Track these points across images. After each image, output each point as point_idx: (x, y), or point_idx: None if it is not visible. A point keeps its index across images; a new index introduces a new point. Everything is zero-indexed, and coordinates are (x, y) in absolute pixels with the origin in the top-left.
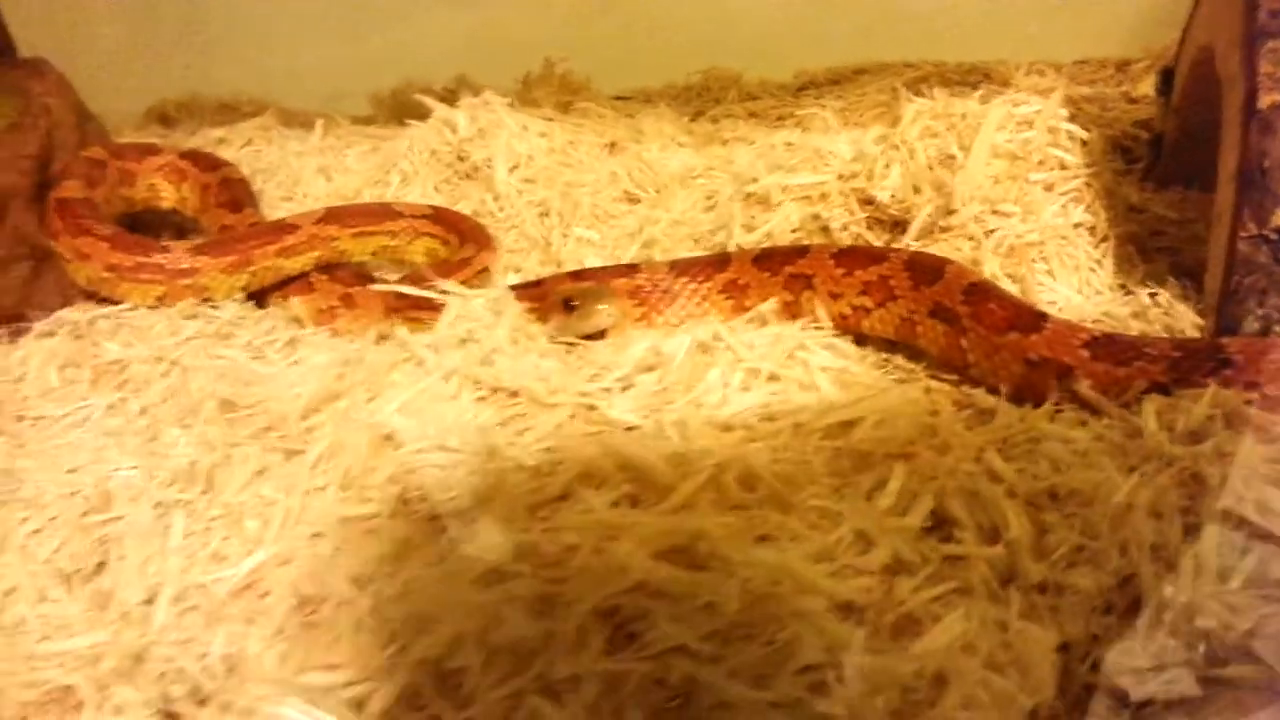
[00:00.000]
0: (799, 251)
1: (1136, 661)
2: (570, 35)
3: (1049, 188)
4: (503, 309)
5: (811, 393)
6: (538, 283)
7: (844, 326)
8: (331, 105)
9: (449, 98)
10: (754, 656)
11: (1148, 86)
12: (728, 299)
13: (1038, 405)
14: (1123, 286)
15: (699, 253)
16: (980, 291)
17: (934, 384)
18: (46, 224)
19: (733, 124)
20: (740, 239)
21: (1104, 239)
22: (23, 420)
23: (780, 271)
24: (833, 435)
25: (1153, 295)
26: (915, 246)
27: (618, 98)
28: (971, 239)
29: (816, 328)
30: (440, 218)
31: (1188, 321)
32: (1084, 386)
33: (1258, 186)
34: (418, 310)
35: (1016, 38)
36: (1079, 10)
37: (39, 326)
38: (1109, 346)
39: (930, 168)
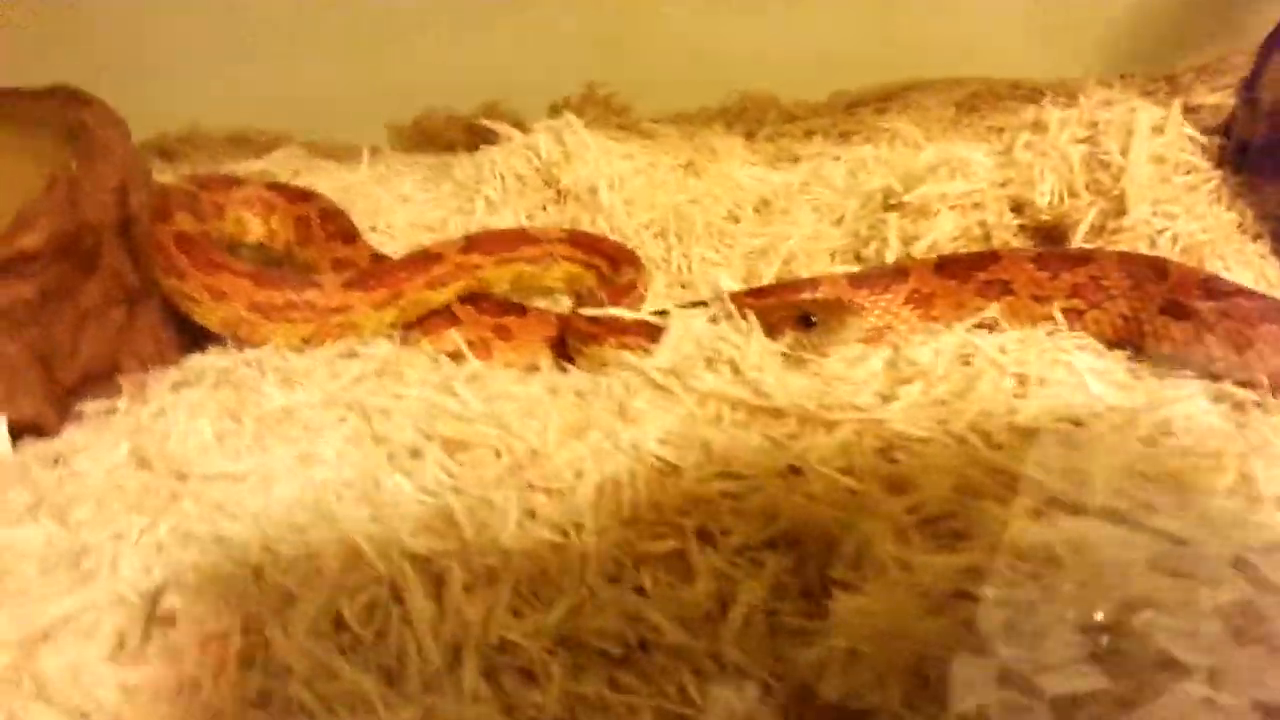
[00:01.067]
0: (988, 257)
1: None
2: (585, 61)
3: (1193, 189)
4: (748, 327)
5: (1085, 395)
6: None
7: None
8: (331, 134)
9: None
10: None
11: (1201, 96)
12: (913, 309)
13: None
14: None
15: (842, 267)
16: (1219, 286)
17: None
18: (166, 261)
19: (797, 143)
20: (899, 250)
21: (1257, 236)
22: (187, 479)
23: (970, 279)
24: (1154, 441)
25: None
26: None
27: (654, 121)
28: (1144, 239)
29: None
30: (578, 241)
31: None
32: None
33: None
34: (615, 335)
35: (1040, 55)
36: (1102, 27)
37: (172, 375)
38: None
39: (1089, 172)
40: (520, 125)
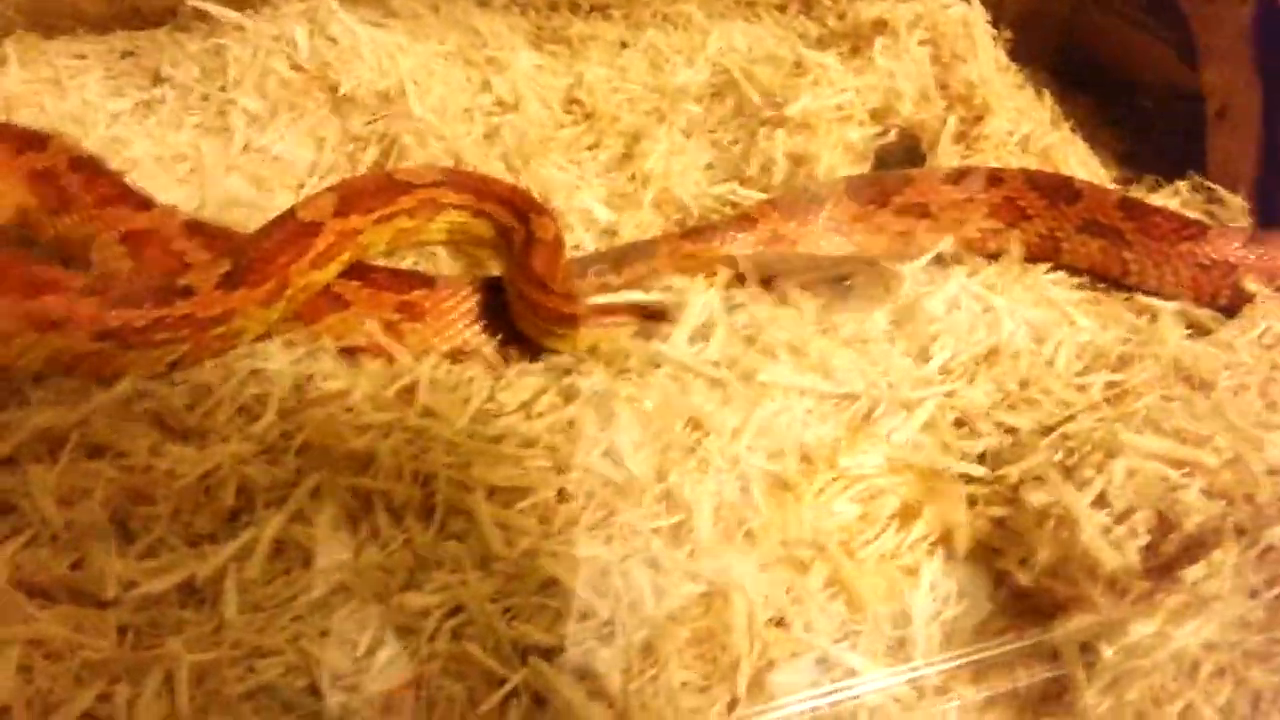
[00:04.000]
0: (901, 179)
1: None
2: None
3: (1021, 88)
4: (797, 299)
5: (1066, 328)
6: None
7: (972, 250)
8: None
9: None
10: None
11: None
12: (839, 237)
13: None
14: (1129, 181)
15: (724, 187)
16: (1136, 206)
17: (1102, 296)
18: None
19: (553, 19)
20: (788, 170)
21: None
22: None
23: (888, 203)
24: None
25: (1190, 189)
26: (956, 161)
27: None
28: (1004, 145)
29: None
30: (460, 183)
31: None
32: (1249, 281)
33: None
34: (606, 314)
35: None
36: None
37: None
38: (1263, 243)
39: (939, 77)
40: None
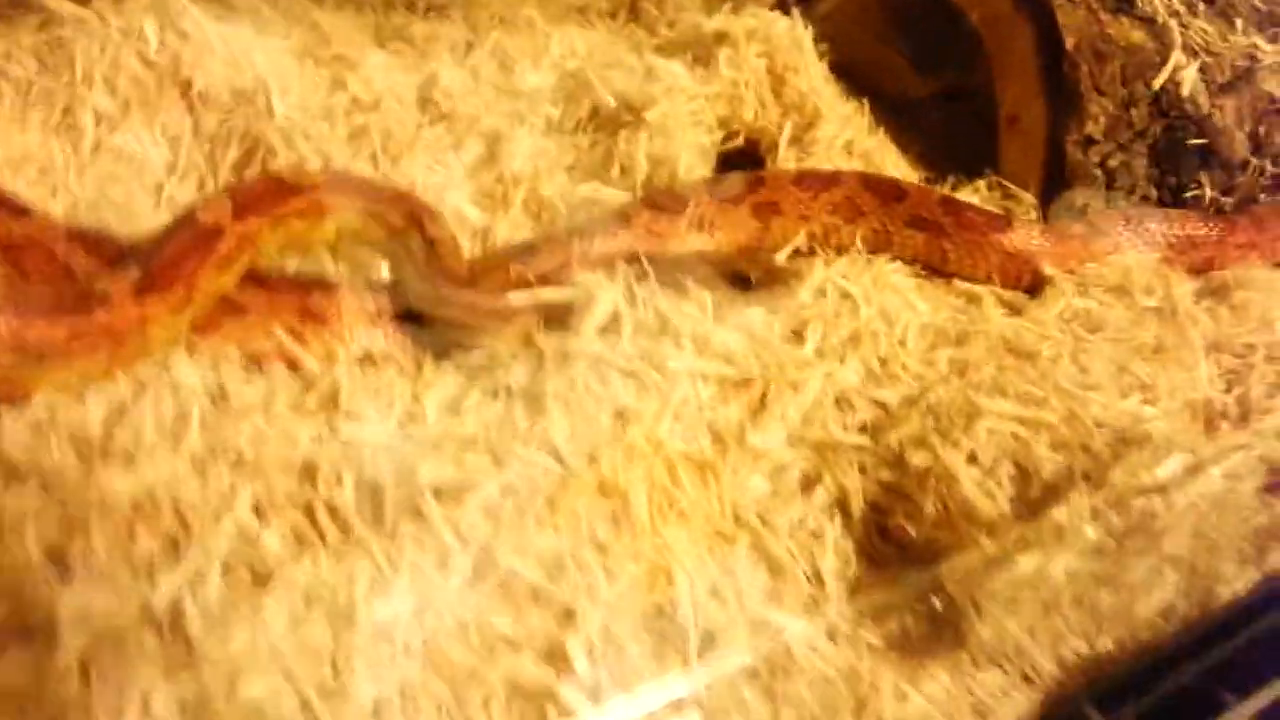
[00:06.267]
0: (755, 180)
1: None
2: None
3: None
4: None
5: (910, 311)
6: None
7: (817, 243)
8: None
9: None
10: None
11: None
12: (699, 233)
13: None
14: (933, 180)
15: (588, 187)
16: (953, 203)
17: (926, 283)
18: None
19: (393, 16)
20: (648, 170)
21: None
22: None
23: (743, 202)
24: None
25: (988, 186)
26: (793, 164)
27: None
28: (833, 148)
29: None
30: (341, 185)
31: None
32: (1046, 266)
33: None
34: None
35: None
36: None
37: None
38: (1059, 234)
39: (774, 86)
40: None
